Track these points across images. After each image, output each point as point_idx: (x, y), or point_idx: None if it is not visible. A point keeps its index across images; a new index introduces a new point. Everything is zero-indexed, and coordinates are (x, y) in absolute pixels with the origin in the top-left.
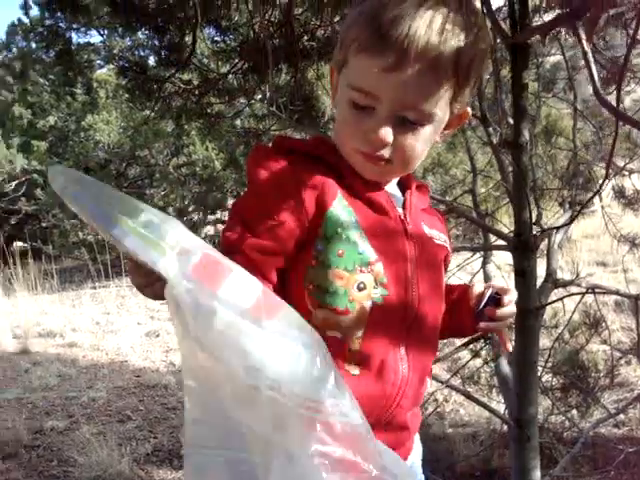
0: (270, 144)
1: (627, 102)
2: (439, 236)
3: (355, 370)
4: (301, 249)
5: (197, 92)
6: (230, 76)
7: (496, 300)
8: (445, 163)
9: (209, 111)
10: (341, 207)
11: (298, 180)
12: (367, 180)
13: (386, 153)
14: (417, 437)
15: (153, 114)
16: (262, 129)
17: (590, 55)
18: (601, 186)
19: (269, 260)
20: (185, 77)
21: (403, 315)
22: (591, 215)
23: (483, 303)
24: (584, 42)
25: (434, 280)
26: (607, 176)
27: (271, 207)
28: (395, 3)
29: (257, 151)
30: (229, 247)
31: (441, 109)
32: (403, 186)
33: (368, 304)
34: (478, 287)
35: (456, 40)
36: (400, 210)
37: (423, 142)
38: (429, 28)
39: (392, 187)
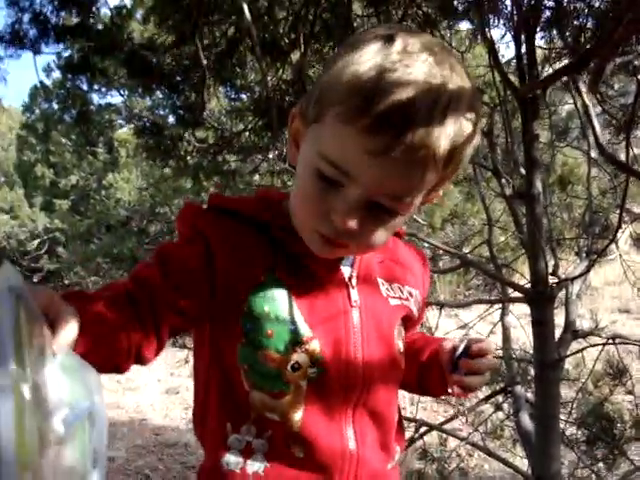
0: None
1: None
2: (400, 293)
3: (300, 453)
4: (226, 324)
5: (212, 150)
6: (245, 133)
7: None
8: (462, 213)
9: (225, 168)
10: (271, 281)
11: (223, 248)
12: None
13: (349, 240)
14: None
15: (171, 172)
16: (279, 185)
17: (591, 109)
18: (615, 235)
19: (168, 313)
20: (201, 135)
21: (345, 393)
22: (611, 262)
23: (457, 355)
24: (584, 95)
25: (384, 348)
26: (620, 225)
27: (190, 268)
28: (396, 68)
29: (185, 208)
30: (137, 277)
31: (420, 199)
32: None
33: (304, 383)
34: (448, 344)
35: (456, 132)
36: (347, 270)
37: (391, 231)
38: (430, 115)
39: None
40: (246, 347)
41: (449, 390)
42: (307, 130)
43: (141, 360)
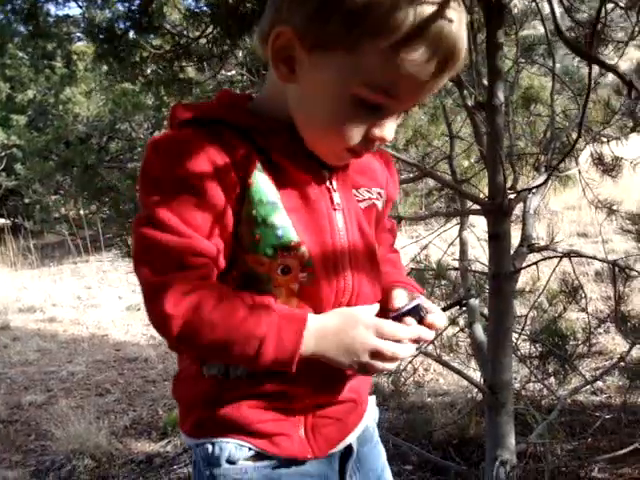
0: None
1: (622, 65)
2: (368, 191)
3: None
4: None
5: (168, 57)
6: (202, 40)
7: (420, 316)
8: (427, 135)
9: (182, 77)
10: (261, 181)
11: (213, 168)
12: (287, 144)
13: (374, 146)
14: (372, 400)
15: (128, 83)
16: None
17: None
18: (573, 146)
19: (209, 267)
20: (157, 42)
21: (336, 296)
22: (572, 186)
23: (404, 310)
24: None
25: (368, 250)
26: (579, 134)
27: (194, 206)
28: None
29: (157, 144)
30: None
31: None
32: None
33: (295, 287)
34: (401, 293)
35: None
36: (325, 173)
37: None
38: (461, 29)
39: None
40: (236, 253)
41: None
42: (314, 54)
43: None
